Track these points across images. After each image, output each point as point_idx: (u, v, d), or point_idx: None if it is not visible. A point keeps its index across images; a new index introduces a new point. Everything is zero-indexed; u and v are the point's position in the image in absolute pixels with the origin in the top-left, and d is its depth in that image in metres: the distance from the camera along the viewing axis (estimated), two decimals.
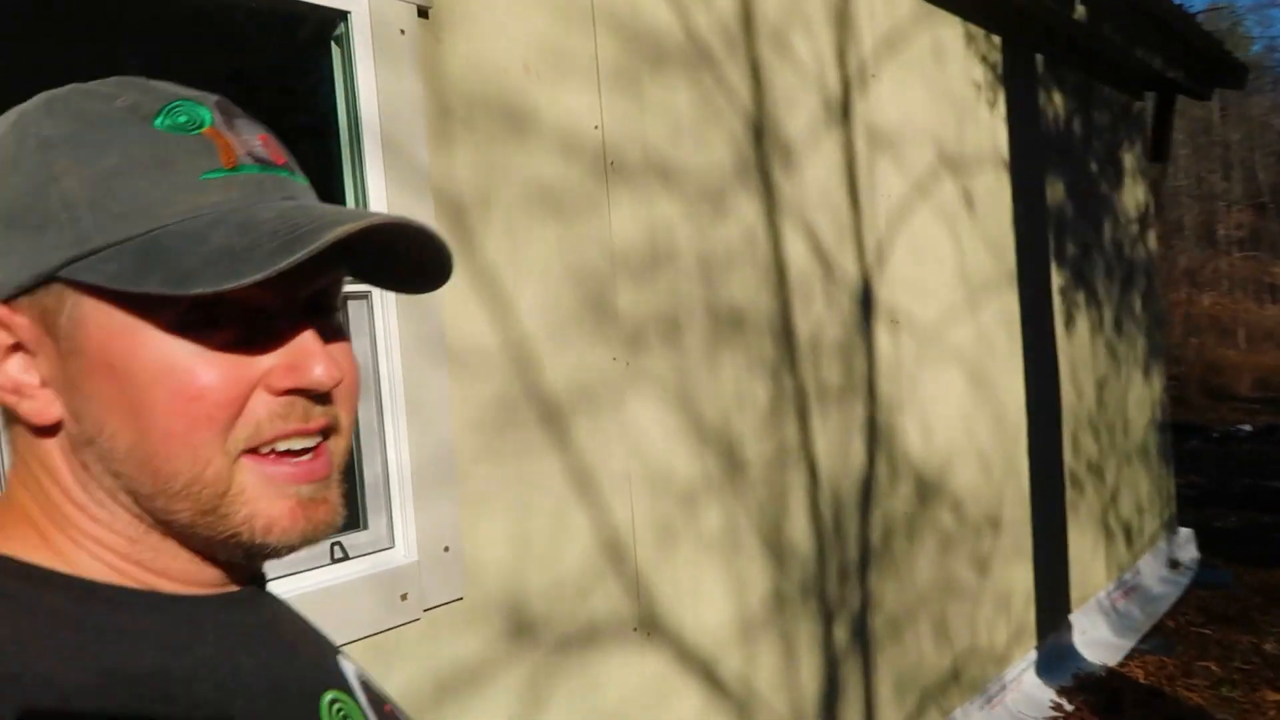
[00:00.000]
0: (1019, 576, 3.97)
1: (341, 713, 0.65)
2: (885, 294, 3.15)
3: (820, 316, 2.85)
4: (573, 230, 2.10)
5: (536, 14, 2.05)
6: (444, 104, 1.85)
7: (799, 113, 2.81)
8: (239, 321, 0.56)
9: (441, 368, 1.80)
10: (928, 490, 3.35)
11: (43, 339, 0.57)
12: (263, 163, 0.58)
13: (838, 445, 2.90)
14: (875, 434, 3.07)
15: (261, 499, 0.58)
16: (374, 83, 1.70)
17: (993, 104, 3.94)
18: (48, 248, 0.55)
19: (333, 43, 1.72)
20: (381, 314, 1.71)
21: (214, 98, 0.60)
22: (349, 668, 0.72)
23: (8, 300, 0.57)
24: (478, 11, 1.93)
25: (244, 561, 0.62)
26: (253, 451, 0.58)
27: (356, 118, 1.69)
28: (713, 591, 2.43)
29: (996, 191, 3.93)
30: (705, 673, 2.38)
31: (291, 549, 0.60)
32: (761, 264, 2.63)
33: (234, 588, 0.64)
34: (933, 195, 3.45)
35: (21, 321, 0.57)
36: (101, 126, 0.56)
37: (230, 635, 0.61)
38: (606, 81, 2.20)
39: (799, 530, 2.73)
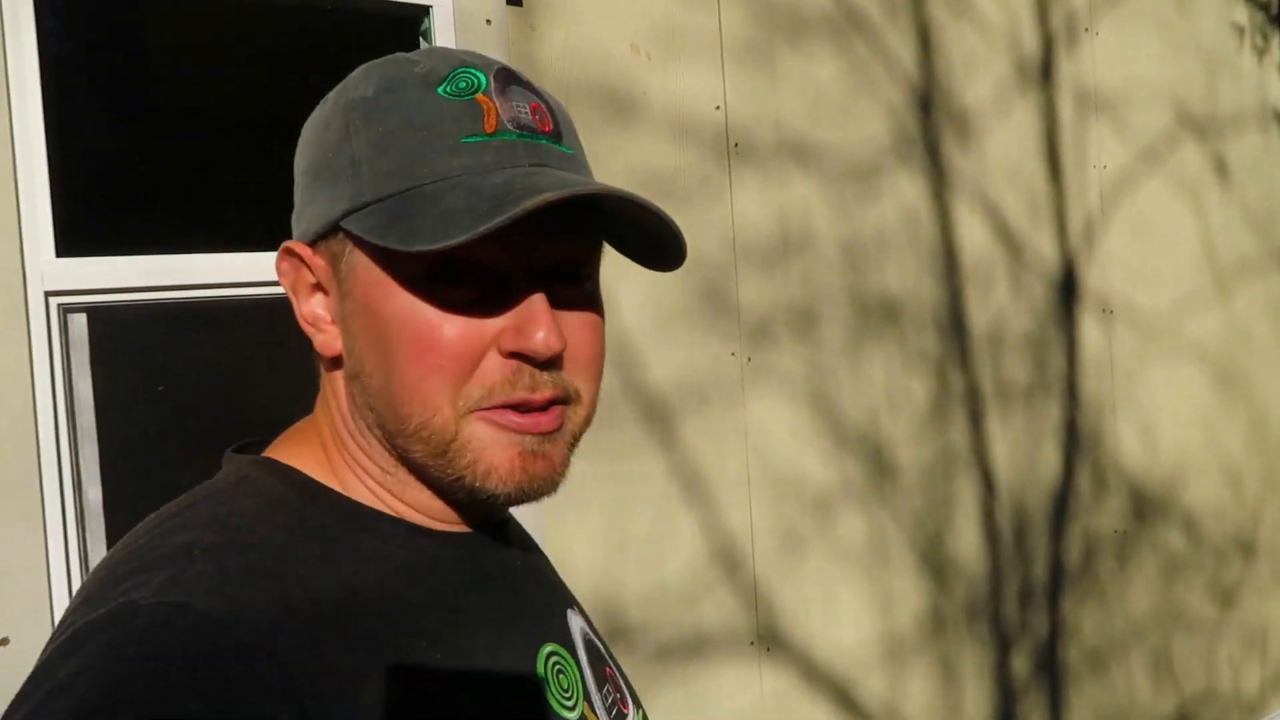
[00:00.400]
0: None
1: (557, 668, 0.67)
2: (1095, 280, 2.75)
3: (1003, 306, 2.53)
4: (684, 218, 1.97)
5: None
6: None
7: (981, 79, 2.50)
8: (479, 282, 0.59)
9: None
10: (1148, 506, 2.90)
11: (331, 280, 0.63)
12: (526, 129, 0.60)
13: (1022, 451, 2.57)
14: (1075, 439, 2.70)
15: (488, 447, 0.60)
16: None
17: (1262, 51, 3.32)
18: (336, 199, 0.60)
19: (420, 38, 1.72)
20: None
21: (497, 65, 0.62)
22: (576, 625, 0.73)
23: (311, 244, 0.63)
24: None
25: (471, 505, 0.65)
26: (481, 410, 0.60)
27: None
28: (850, 606, 2.24)
29: (1262, 156, 3.31)
30: (838, 694, 2.20)
31: (510, 500, 0.62)
32: (924, 248, 2.37)
33: (476, 529, 0.68)
34: (1167, 164, 2.96)
35: (319, 263, 0.63)
36: (395, 91, 0.60)
37: (465, 573, 0.65)
38: (731, 58, 2.06)
39: (966, 545, 2.45)
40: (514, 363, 0.59)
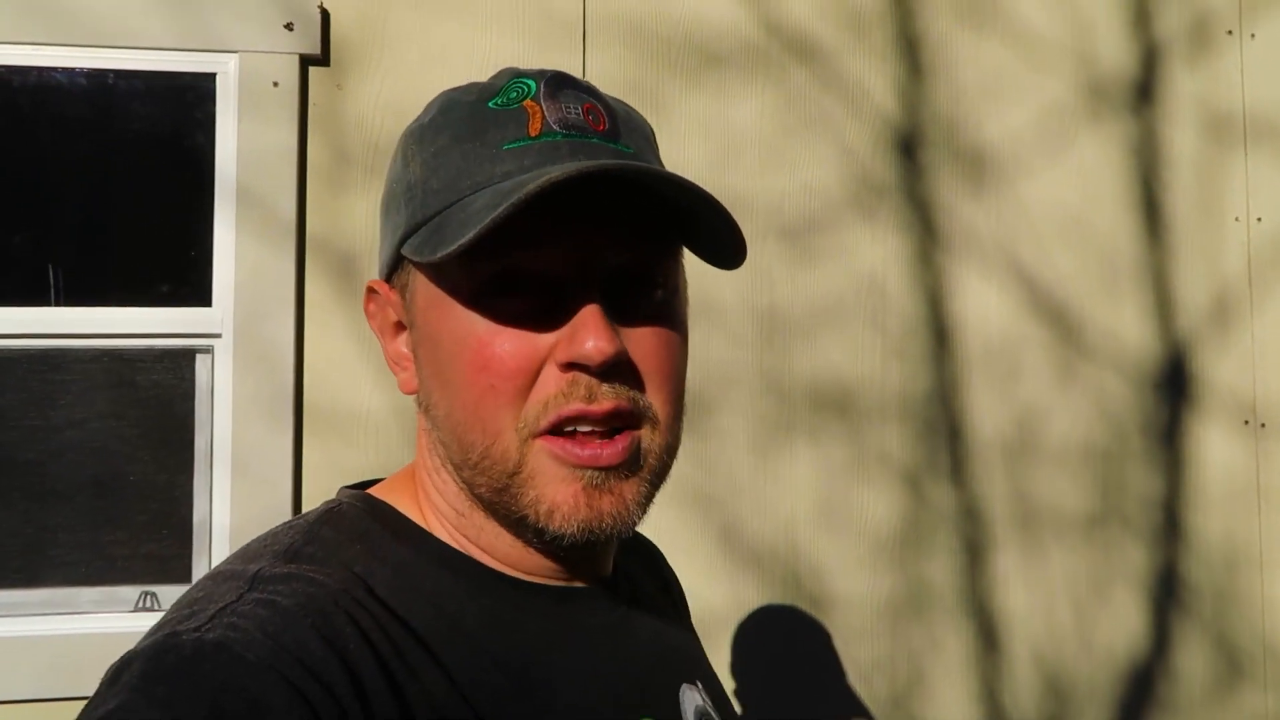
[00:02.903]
0: None
1: None
2: (1229, 377, 1.95)
3: (1036, 404, 1.90)
4: None
5: (487, 36, 1.80)
6: (341, 151, 1.75)
7: (1011, 107, 1.93)
8: (534, 294, 0.55)
9: (287, 433, 1.68)
10: None
11: (404, 312, 0.61)
12: (574, 129, 0.57)
13: (1062, 602, 1.88)
14: (1176, 596, 1.91)
15: (550, 483, 0.56)
16: (234, 136, 1.70)
17: None
18: (397, 226, 0.59)
19: (214, 101, 1.76)
20: (218, 370, 1.69)
21: (552, 72, 0.60)
22: (690, 701, 0.67)
23: (388, 280, 0.62)
24: (403, 50, 1.78)
25: (561, 557, 0.61)
26: (547, 434, 0.56)
27: (213, 170, 1.71)
28: None
29: None
30: None
31: (577, 539, 0.56)
32: (893, 324, 1.87)
33: (577, 583, 0.63)
34: None
35: (394, 298, 0.62)
36: (449, 111, 0.59)
37: (551, 631, 0.60)
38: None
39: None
40: (571, 374, 0.55)
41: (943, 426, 1.87)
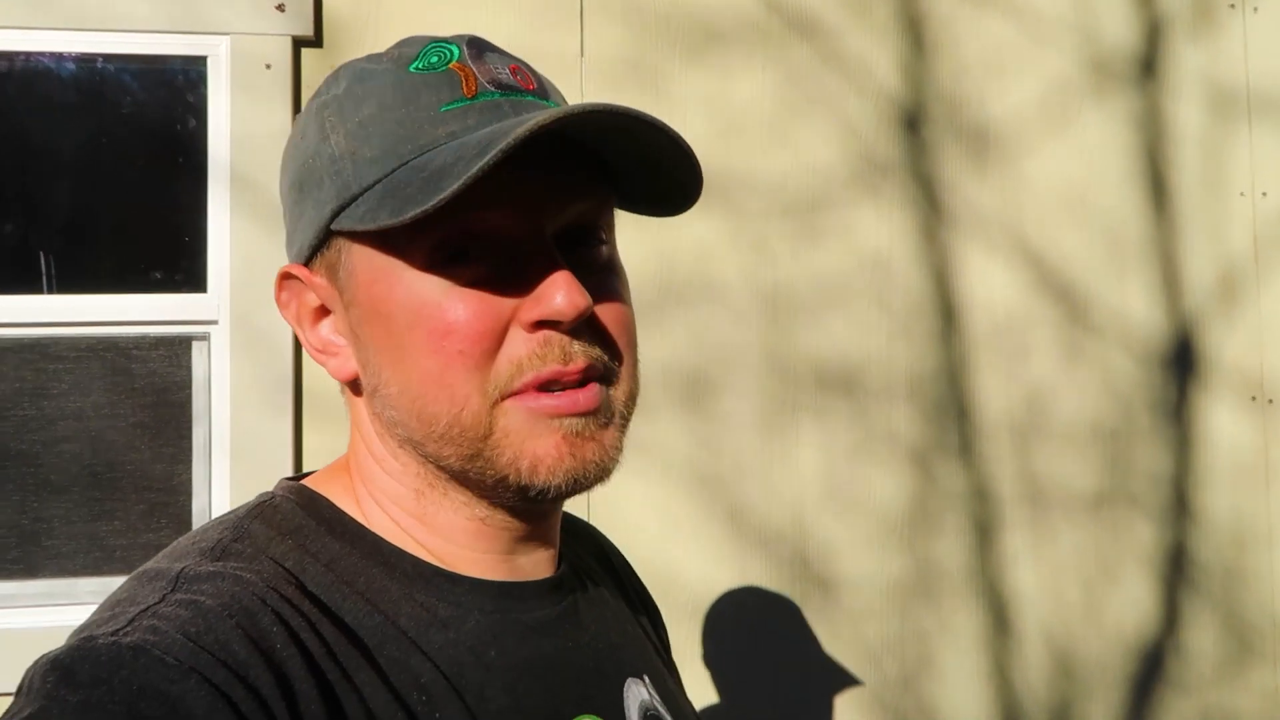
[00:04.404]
0: None
1: None
2: (1236, 353, 1.94)
3: (1043, 382, 1.88)
4: None
5: (481, 15, 1.78)
6: None
7: (1015, 83, 1.91)
8: (489, 256, 0.55)
9: (287, 420, 1.66)
10: None
11: (333, 295, 0.59)
12: (508, 88, 0.57)
13: (1070, 580, 1.87)
14: (1184, 572, 1.90)
15: (527, 438, 0.55)
16: (227, 120, 1.67)
17: None
18: (323, 202, 0.57)
19: (203, 90, 1.73)
20: (215, 357, 1.66)
21: (469, 36, 0.59)
22: (636, 695, 0.65)
23: (307, 263, 0.60)
24: (397, 30, 1.75)
25: (519, 504, 0.59)
26: (513, 394, 0.55)
27: (205, 155, 1.68)
28: None
29: None
30: None
31: (560, 492, 0.56)
32: (899, 303, 1.85)
33: (521, 571, 0.62)
34: None
35: (319, 281, 0.59)
36: (366, 80, 0.57)
37: (490, 629, 0.59)
38: (599, 82, 1.80)
39: (961, 702, 1.83)
40: (541, 334, 0.54)
41: (950, 405, 1.85)
